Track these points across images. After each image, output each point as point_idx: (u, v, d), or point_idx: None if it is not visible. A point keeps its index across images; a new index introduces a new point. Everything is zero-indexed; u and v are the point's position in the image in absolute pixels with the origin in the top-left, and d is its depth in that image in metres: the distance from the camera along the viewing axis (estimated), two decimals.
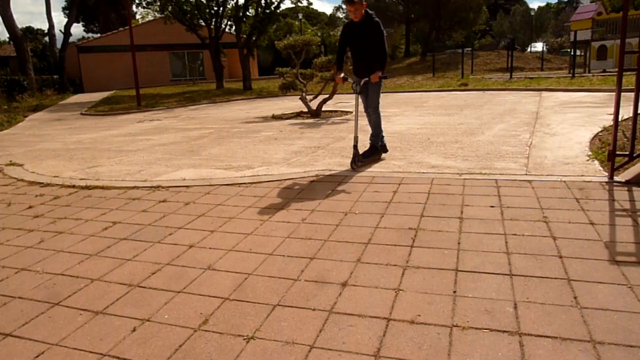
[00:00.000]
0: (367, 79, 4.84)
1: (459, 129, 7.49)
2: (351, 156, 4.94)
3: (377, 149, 5.22)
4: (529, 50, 52.39)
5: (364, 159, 4.96)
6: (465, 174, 4.46)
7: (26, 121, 14.68)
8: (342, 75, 5.10)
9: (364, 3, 4.77)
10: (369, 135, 5.28)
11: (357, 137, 4.81)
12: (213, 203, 3.94)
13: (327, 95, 11.05)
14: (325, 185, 4.30)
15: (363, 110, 5.29)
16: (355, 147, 4.81)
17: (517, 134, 6.71)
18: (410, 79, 23.82)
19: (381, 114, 5.27)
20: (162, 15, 24.40)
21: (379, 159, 5.20)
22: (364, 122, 5.35)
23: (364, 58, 4.98)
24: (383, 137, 5.27)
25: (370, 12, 4.91)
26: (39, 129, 12.14)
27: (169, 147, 7.45)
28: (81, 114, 16.39)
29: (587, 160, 4.81)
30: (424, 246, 2.79)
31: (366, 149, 5.18)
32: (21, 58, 26.86)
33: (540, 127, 7.19)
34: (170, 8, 23.24)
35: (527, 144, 5.83)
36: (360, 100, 5.13)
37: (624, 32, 3.88)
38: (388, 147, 5.50)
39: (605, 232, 2.87)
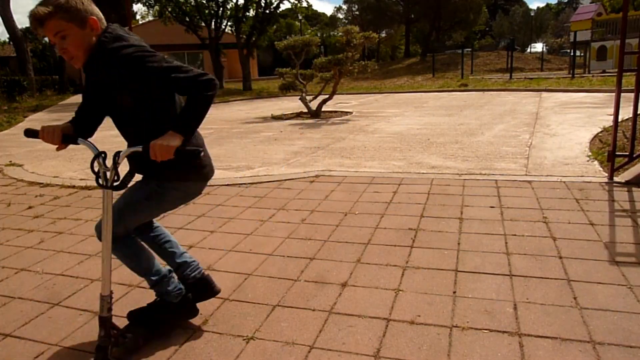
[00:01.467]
0: (139, 148, 1.83)
1: (459, 129, 7.50)
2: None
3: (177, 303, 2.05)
4: (528, 50, 52.47)
5: (142, 331, 1.98)
6: (465, 174, 4.47)
7: (26, 121, 14.66)
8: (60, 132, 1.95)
9: (93, 18, 1.73)
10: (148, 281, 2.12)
11: (109, 284, 1.96)
12: (213, 203, 3.94)
13: (327, 96, 11.08)
14: (325, 186, 4.30)
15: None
16: (107, 304, 1.90)
17: (517, 134, 6.71)
18: (410, 79, 23.83)
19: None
20: (161, 18, 24.38)
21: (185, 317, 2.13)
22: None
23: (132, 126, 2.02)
24: (195, 266, 2.11)
25: (108, 37, 1.76)
26: None
27: None
28: None
29: (587, 160, 4.81)
30: (424, 246, 2.80)
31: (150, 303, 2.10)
32: (21, 58, 26.83)
33: (540, 127, 7.20)
34: (170, 9, 23.25)
35: (527, 145, 5.84)
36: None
37: (623, 33, 3.89)
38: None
39: (605, 232, 2.87)
